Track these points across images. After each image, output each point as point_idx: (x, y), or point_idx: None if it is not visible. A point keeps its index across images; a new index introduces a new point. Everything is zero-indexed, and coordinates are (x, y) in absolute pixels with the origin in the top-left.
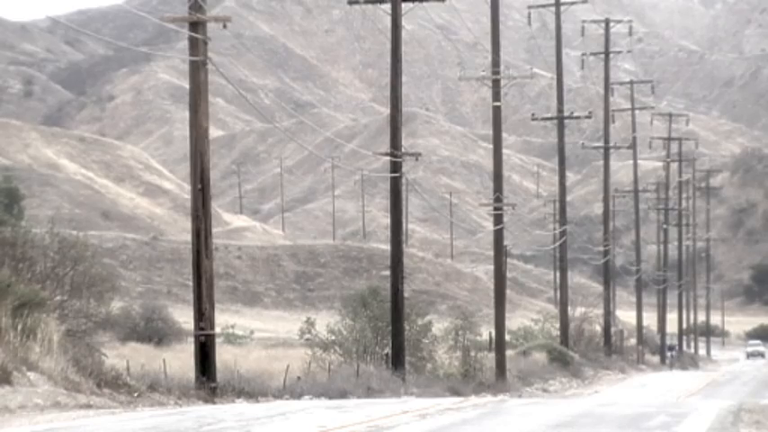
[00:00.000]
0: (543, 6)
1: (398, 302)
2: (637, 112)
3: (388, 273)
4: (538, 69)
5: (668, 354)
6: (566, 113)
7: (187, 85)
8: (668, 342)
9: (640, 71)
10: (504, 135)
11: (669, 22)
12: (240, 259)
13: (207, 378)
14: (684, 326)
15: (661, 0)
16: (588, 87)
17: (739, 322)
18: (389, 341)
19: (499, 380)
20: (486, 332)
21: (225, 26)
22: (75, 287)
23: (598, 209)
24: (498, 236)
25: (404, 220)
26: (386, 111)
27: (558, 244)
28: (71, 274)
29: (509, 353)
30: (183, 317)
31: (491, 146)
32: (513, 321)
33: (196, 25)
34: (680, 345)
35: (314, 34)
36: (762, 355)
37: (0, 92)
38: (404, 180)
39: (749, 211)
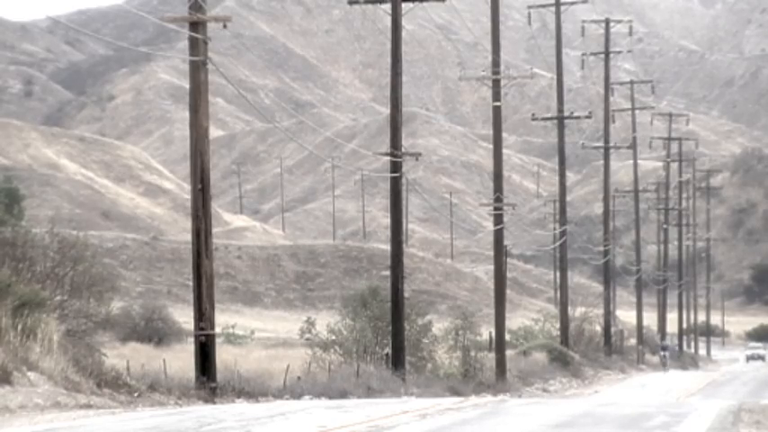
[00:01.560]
0: (543, 6)
1: (398, 302)
2: (637, 111)
3: (388, 273)
4: (538, 69)
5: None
6: (566, 113)
7: (187, 85)
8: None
9: (640, 71)
10: (504, 135)
11: (669, 23)
12: (240, 259)
13: (207, 378)
14: (684, 326)
15: (661, 0)
16: (588, 87)
17: (739, 322)
18: (389, 341)
19: (499, 380)
20: (486, 332)
21: (225, 26)
22: (75, 287)
23: (598, 209)
24: (498, 236)
25: (404, 220)
26: (386, 111)
27: (557, 244)
28: (71, 275)
29: (509, 353)
30: (184, 317)
31: (491, 146)
32: (514, 321)
33: (196, 25)
34: (680, 345)
35: (314, 34)
36: (762, 358)
37: (0, 92)
38: (404, 180)
39: (749, 211)
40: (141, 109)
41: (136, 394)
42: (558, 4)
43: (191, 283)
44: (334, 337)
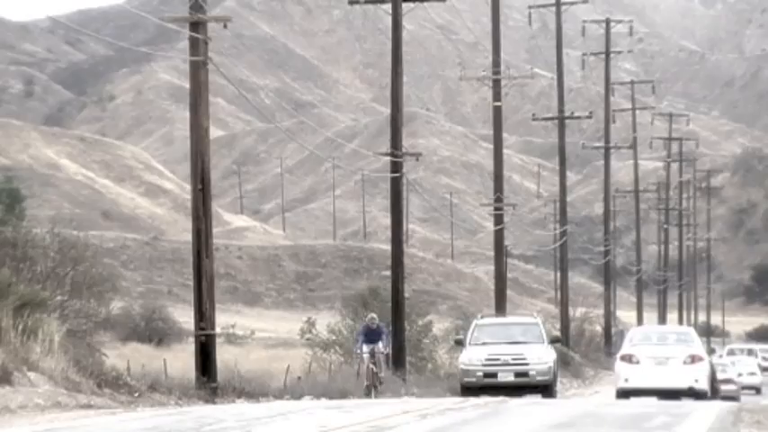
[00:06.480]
0: (544, 6)
1: (399, 302)
2: (637, 111)
3: (388, 273)
4: (538, 69)
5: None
6: (566, 113)
7: (188, 86)
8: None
9: (640, 71)
10: (505, 135)
11: (670, 22)
12: (241, 259)
13: (207, 378)
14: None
15: (662, 0)
16: (588, 87)
17: (740, 322)
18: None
19: None
20: None
21: (225, 26)
22: (75, 287)
23: (599, 209)
24: (499, 236)
25: (404, 221)
26: (386, 111)
27: (558, 244)
28: (71, 275)
29: None
30: (184, 317)
31: (491, 146)
32: None
33: (196, 25)
34: None
35: (314, 34)
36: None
37: (1, 92)
38: (404, 180)
39: (750, 211)
40: (142, 109)
41: (136, 394)
42: (558, 4)
43: (191, 284)
44: (334, 338)
